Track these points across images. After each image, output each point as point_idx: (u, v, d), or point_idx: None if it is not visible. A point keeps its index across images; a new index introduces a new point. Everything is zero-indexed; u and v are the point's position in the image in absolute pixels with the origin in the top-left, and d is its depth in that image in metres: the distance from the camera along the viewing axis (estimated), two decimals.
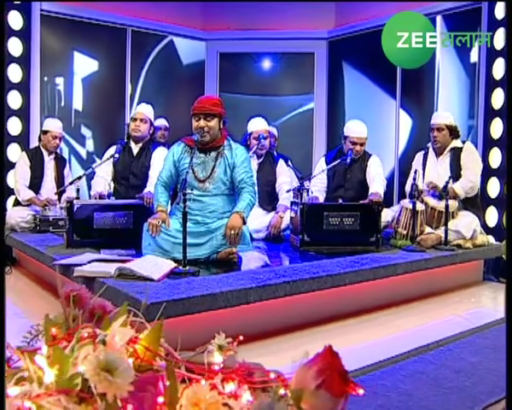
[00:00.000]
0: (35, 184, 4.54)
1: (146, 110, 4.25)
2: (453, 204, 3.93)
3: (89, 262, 2.90)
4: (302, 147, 6.31)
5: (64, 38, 5.45)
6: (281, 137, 6.11)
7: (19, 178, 4.50)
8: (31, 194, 4.45)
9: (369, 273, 3.11)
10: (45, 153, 4.63)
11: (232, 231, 3.09)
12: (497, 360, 2.62)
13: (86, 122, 5.63)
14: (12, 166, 4.68)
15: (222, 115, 3.31)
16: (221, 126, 3.32)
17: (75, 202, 3.55)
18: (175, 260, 2.95)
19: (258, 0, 6.15)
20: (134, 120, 4.21)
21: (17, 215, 4.33)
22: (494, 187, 4.45)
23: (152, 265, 2.80)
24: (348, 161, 4.10)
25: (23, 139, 4.90)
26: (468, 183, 4.11)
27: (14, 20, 4.85)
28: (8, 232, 4.20)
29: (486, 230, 4.43)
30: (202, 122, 3.22)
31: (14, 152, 4.83)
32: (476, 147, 4.53)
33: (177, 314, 2.35)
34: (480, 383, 2.33)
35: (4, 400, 0.91)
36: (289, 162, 5.43)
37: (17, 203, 4.55)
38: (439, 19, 5.15)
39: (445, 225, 3.80)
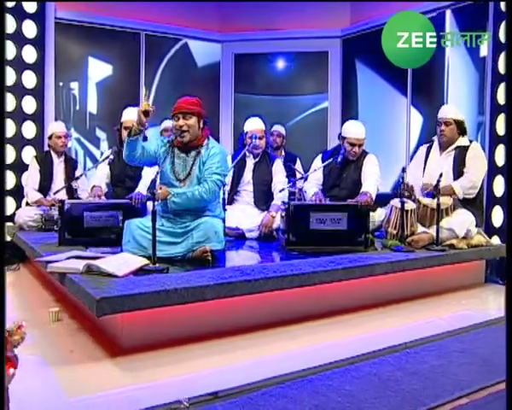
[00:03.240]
0: (45, 187, 4.74)
1: (134, 116, 4.30)
2: (446, 201, 3.79)
3: (67, 258, 3.03)
4: (316, 146, 6.24)
5: (78, 44, 5.67)
6: (295, 136, 6.11)
7: (28, 182, 4.75)
8: (38, 196, 4.66)
9: (342, 273, 3.05)
10: (55, 156, 4.83)
11: None
12: (460, 364, 2.53)
13: (101, 125, 5.83)
14: (26, 168, 4.92)
15: (201, 114, 3.35)
16: (201, 126, 3.37)
17: (66, 201, 3.70)
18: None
19: (273, 0, 6.16)
20: (126, 128, 4.24)
21: (25, 214, 4.55)
22: (499, 186, 4.27)
23: (120, 262, 2.88)
24: (339, 160, 4.05)
25: (37, 142, 5.12)
26: (469, 182, 3.97)
27: (29, 29, 5.06)
28: (15, 231, 4.43)
29: (492, 230, 4.27)
30: (181, 121, 3.27)
31: (28, 154, 5.06)
32: (484, 144, 4.37)
33: (129, 309, 2.42)
34: (430, 387, 2.26)
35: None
36: (297, 161, 5.43)
37: (29, 203, 4.78)
38: (448, 13, 5.02)
39: (437, 224, 3.68)
